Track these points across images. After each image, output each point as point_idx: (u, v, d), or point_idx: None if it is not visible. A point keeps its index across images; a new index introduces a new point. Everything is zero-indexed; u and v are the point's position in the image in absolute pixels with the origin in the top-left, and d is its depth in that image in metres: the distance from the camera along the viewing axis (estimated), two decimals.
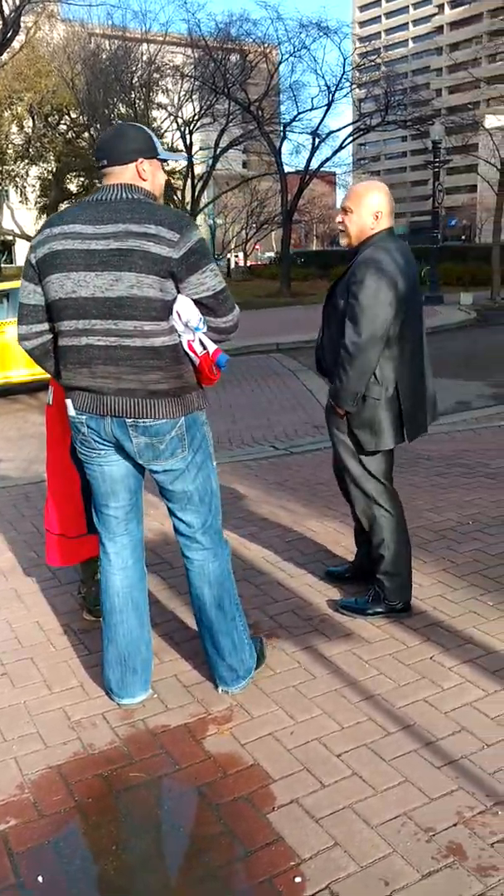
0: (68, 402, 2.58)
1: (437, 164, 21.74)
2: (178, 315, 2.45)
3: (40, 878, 2.03)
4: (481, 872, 1.97)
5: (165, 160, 2.63)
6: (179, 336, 2.48)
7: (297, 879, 1.98)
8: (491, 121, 27.73)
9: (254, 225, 43.42)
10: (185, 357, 2.51)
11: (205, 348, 2.50)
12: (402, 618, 3.30)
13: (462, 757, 2.40)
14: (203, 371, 2.52)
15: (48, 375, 2.85)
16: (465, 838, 2.08)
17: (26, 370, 9.34)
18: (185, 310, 2.45)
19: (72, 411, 2.57)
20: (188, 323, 2.47)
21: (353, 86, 29.19)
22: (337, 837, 2.11)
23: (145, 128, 2.59)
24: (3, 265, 39.73)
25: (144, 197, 2.46)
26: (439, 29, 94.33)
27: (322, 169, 30.20)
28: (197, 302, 2.47)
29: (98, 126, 28.41)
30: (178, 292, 2.44)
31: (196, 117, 30.46)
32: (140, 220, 2.36)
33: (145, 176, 2.49)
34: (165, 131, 31.23)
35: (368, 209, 3.04)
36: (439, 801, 2.23)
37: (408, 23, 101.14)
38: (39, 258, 2.45)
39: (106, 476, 2.64)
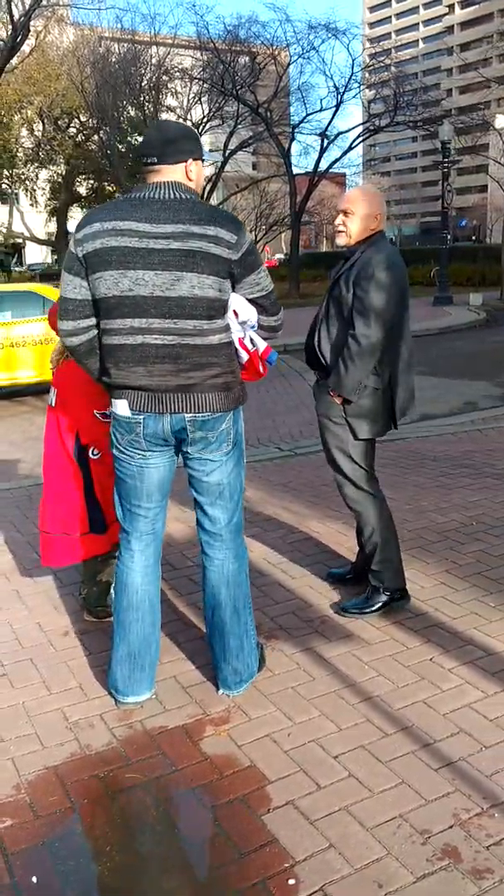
0: (121, 402, 2.54)
1: (446, 165, 21.69)
2: (236, 314, 2.54)
3: (35, 879, 2.03)
4: (476, 875, 1.95)
5: (205, 161, 2.67)
6: (232, 333, 2.56)
7: (291, 881, 1.97)
8: (501, 121, 27.66)
9: (263, 227, 43.43)
10: (236, 353, 2.59)
11: (255, 345, 2.64)
12: (403, 619, 3.29)
13: (460, 759, 2.39)
14: (251, 367, 2.64)
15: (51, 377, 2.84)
16: (461, 841, 2.07)
17: (33, 371, 9.39)
18: (243, 309, 2.55)
19: (126, 412, 2.54)
20: (246, 321, 2.57)
21: (363, 87, 29.13)
22: (331, 839, 2.10)
23: (192, 128, 2.62)
24: (13, 268, 39.86)
25: (194, 196, 2.47)
26: (450, 29, 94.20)
27: (331, 170, 30.16)
28: (250, 301, 2.56)
29: (107, 129, 28.50)
30: (234, 291, 2.50)
31: (205, 119, 30.46)
32: (200, 221, 2.39)
33: (192, 176, 2.51)
34: None
35: (369, 211, 3.16)
36: (436, 803, 2.21)
37: (418, 23, 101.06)
38: (89, 252, 2.41)
39: (145, 477, 2.65)
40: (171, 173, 2.47)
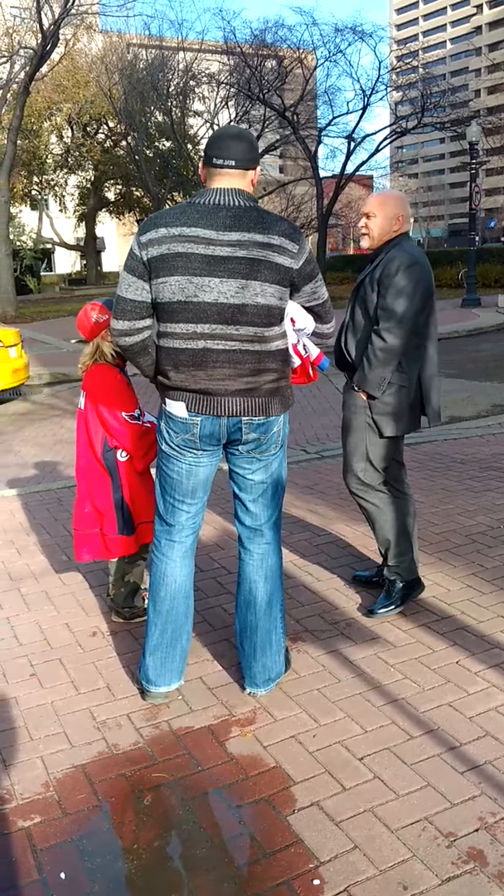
0: (178, 404, 2.58)
1: (474, 166, 21.53)
2: (293, 321, 2.61)
3: (63, 875, 2.06)
4: (502, 879, 1.95)
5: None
6: (287, 339, 2.63)
7: (316, 882, 1.98)
8: None
9: None
10: (290, 358, 2.66)
11: (307, 351, 2.72)
12: (429, 622, 3.28)
13: (485, 762, 2.38)
14: (303, 371, 2.73)
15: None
16: (487, 844, 2.06)
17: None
18: (300, 317, 2.62)
19: (183, 412, 2.58)
20: (303, 329, 2.64)
21: (390, 89, 29.05)
22: (356, 841, 2.10)
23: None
24: (42, 273, 40.29)
25: (256, 205, 2.52)
26: (478, 29, 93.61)
27: (358, 173, 30.12)
28: (307, 309, 2.62)
29: (135, 134, 28.73)
30: (291, 299, 2.57)
31: (232, 124, 30.60)
32: (264, 230, 2.43)
33: (254, 183, 2.57)
34: (202, 138, 31.45)
35: (391, 213, 3.21)
36: (461, 806, 2.21)
37: (445, 24, 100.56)
38: (155, 257, 2.44)
39: (192, 475, 2.70)
40: (240, 179, 2.51)
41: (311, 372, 2.77)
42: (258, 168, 2.58)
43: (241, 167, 2.50)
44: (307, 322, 2.64)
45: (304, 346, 2.72)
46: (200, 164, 2.59)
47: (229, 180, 2.49)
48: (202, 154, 2.59)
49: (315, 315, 2.67)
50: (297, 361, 2.71)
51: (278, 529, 2.82)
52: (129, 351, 2.63)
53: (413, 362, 3.22)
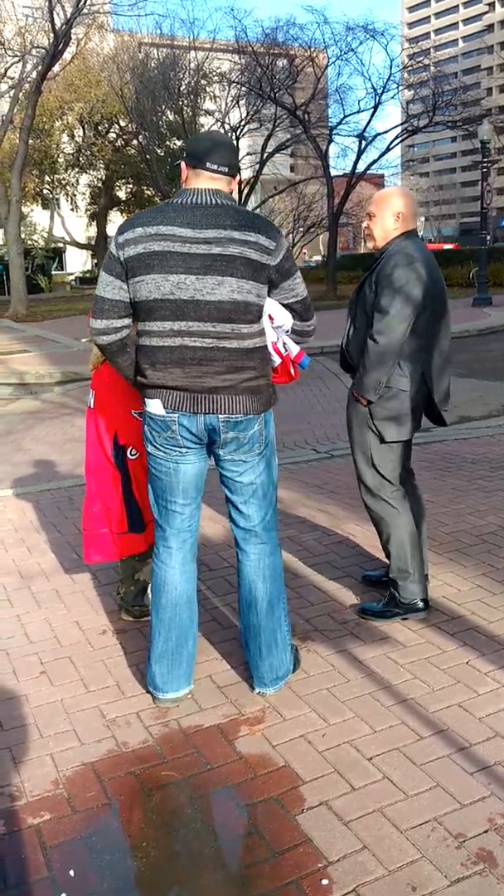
0: (155, 402, 2.60)
1: (486, 165, 21.44)
2: (271, 318, 2.59)
3: (72, 872, 2.06)
4: None
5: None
6: (266, 337, 2.61)
7: (325, 882, 1.97)
8: None
9: (300, 229, 43.38)
10: (270, 357, 2.63)
11: (287, 349, 2.68)
12: (439, 622, 3.27)
13: (496, 763, 2.37)
14: (283, 370, 2.69)
15: None
16: (496, 846, 2.06)
17: None
18: (278, 314, 2.60)
19: (160, 410, 2.60)
20: (281, 326, 2.62)
21: (401, 87, 28.95)
22: (365, 841, 2.10)
23: None
24: (53, 272, 40.40)
25: (235, 203, 2.54)
26: (490, 27, 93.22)
27: (369, 171, 30.03)
28: (285, 306, 2.61)
29: (146, 134, 28.74)
30: (269, 296, 2.56)
31: (243, 123, 30.57)
32: (241, 227, 2.45)
33: (234, 191, 2.62)
34: None
35: (390, 211, 3.17)
36: (471, 807, 2.20)
37: (457, 22, 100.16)
38: (131, 256, 2.47)
39: (181, 474, 2.69)
40: (223, 184, 2.55)
41: (291, 371, 2.73)
42: (239, 177, 2.67)
43: (231, 174, 2.57)
44: (285, 319, 2.62)
45: (284, 343, 2.68)
46: (184, 165, 2.60)
47: (214, 183, 2.53)
48: (187, 155, 2.60)
49: (294, 312, 2.65)
50: (277, 360, 2.67)
51: (273, 529, 2.80)
52: (108, 350, 2.66)
53: (414, 365, 3.14)
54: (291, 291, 2.61)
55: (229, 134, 30.03)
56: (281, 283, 2.56)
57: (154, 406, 2.60)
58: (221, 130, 30.22)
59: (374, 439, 3.22)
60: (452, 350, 3.30)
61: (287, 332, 2.66)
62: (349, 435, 3.34)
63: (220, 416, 2.55)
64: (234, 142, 2.91)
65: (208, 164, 2.53)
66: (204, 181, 2.53)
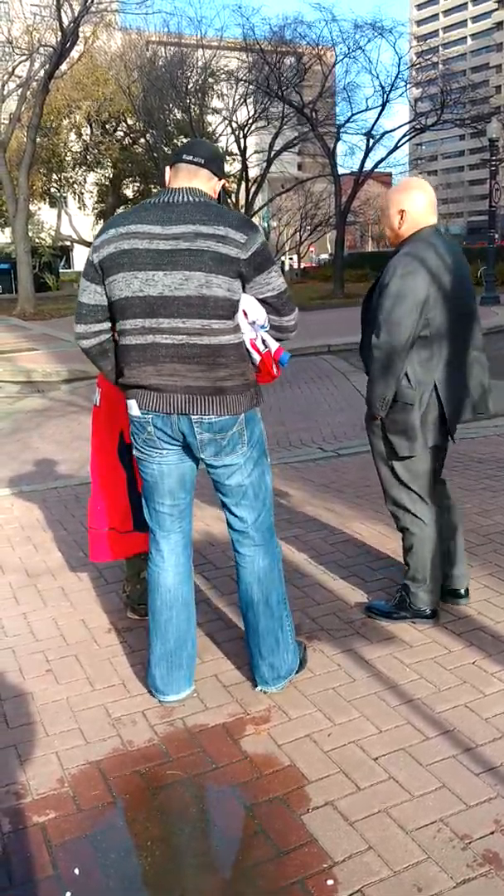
0: (131, 402, 2.60)
1: (494, 163, 21.37)
2: (245, 314, 2.52)
3: (77, 871, 2.07)
4: None
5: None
6: (243, 334, 2.54)
7: (330, 882, 1.97)
8: None
9: (308, 227, 43.32)
10: (248, 355, 2.57)
11: (267, 346, 2.60)
12: (446, 622, 3.26)
13: (502, 764, 2.36)
14: (264, 368, 2.60)
15: None
16: (503, 847, 2.05)
17: None
18: (252, 309, 2.53)
19: (136, 411, 2.59)
20: (255, 322, 2.54)
21: (409, 85, 28.86)
22: (371, 841, 2.09)
23: None
24: (61, 270, 40.45)
25: (208, 199, 2.52)
26: (499, 25, 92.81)
27: (377, 170, 29.94)
28: (261, 301, 2.55)
29: (154, 132, 28.74)
30: (244, 292, 2.50)
31: (250, 121, 30.52)
32: (209, 222, 2.42)
33: (214, 195, 2.58)
34: (220, 135, 31.40)
35: (392, 209, 3.05)
36: (477, 808, 2.19)
37: (466, 20, 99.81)
38: (104, 257, 2.48)
39: (165, 475, 2.68)
40: (200, 182, 2.53)
41: (273, 369, 2.63)
42: (222, 181, 2.62)
43: (208, 168, 2.54)
44: (259, 314, 2.55)
45: (263, 340, 2.60)
46: (167, 169, 2.60)
47: (192, 179, 2.52)
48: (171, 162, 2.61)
49: (271, 308, 2.57)
50: (257, 358, 2.59)
51: (267, 531, 2.76)
52: (89, 354, 2.68)
53: (424, 376, 2.98)
54: (267, 285, 2.52)
55: (236, 132, 30.10)
56: (254, 277, 2.47)
57: (132, 406, 2.60)
58: (229, 129, 30.26)
59: (392, 454, 3.11)
60: (477, 362, 3.13)
61: (264, 328, 2.58)
62: (370, 445, 3.25)
63: (192, 416, 2.52)
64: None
65: (184, 156, 2.54)
66: (182, 178, 2.52)
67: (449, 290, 2.98)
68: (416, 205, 3.00)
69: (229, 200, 30.48)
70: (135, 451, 2.71)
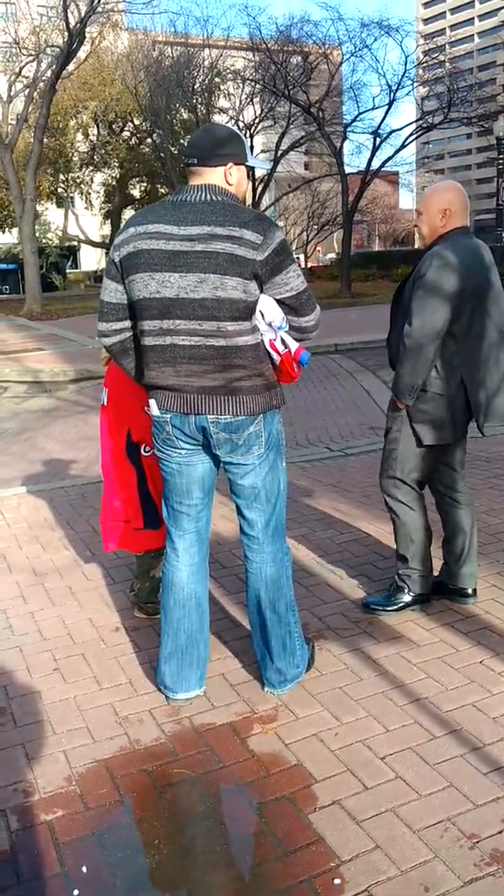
0: (152, 402, 2.61)
1: (501, 161, 21.34)
2: (262, 315, 2.51)
3: (84, 869, 2.07)
4: None
5: (253, 167, 2.69)
6: (262, 335, 2.53)
7: (337, 881, 1.97)
8: None
9: (315, 226, 43.30)
10: (266, 355, 2.56)
11: (286, 347, 2.57)
12: (453, 621, 3.25)
13: None
14: (284, 369, 2.58)
15: None
16: None
17: None
18: (269, 310, 2.51)
19: (155, 411, 2.60)
20: (272, 323, 2.52)
21: (416, 84, 28.80)
22: (378, 840, 2.09)
23: (238, 132, 2.61)
24: (68, 270, 40.54)
25: (228, 199, 2.46)
26: None
27: (384, 169, 29.90)
28: (280, 302, 2.52)
29: (160, 132, 28.77)
30: (262, 292, 2.47)
31: (257, 120, 30.54)
32: (224, 223, 2.39)
33: (231, 180, 2.51)
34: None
35: (436, 208, 3.10)
36: (484, 807, 2.19)
37: (473, 18, 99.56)
38: (123, 256, 2.48)
39: (184, 474, 2.68)
40: (210, 176, 2.49)
41: (294, 369, 2.59)
42: (238, 164, 2.51)
43: (208, 164, 2.48)
44: (276, 315, 2.51)
45: (283, 340, 2.57)
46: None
47: (201, 178, 2.49)
48: None
49: (289, 308, 2.53)
50: (276, 358, 2.57)
51: (277, 537, 2.74)
52: (111, 351, 2.69)
53: (452, 369, 3.06)
54: (285, 286, 2.48)
55: (243, 132, 30.05)
56: (271, 278, 2.43)
57: (152, 406, 2.62)
58: (236, 128, 30.20)
59: (410, 442, 3.17)
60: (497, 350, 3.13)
61: (282, 328, 2.56)
62: (385, 432, 3.31)
63: (209, 416, 2.52)
64: (221, 129, 2.62)
65: (185, 159, 2.53)
66: (195, 177, 2.51)
67: (482, 286, 3.05)
68: (457, 205, 3.10)
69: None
70: (155, 450, 2.72)
